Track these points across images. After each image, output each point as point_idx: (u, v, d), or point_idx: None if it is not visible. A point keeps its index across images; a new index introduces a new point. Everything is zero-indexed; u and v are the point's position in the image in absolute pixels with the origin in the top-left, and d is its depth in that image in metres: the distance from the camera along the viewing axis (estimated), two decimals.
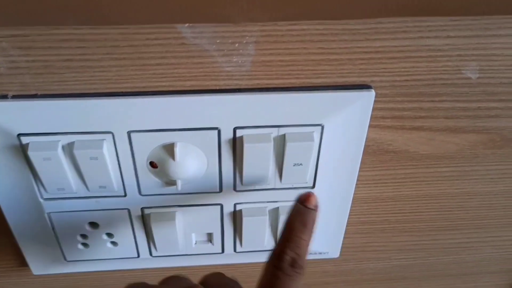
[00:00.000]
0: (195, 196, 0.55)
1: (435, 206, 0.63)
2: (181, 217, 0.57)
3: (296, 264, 0.43)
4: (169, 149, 0.50)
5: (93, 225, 0.57)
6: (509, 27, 0.46)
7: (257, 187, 0.54)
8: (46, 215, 0.55)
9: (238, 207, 0.57)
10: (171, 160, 0.50)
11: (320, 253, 0.65)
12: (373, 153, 0.55)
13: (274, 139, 0.50)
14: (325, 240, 0.63)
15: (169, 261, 0.63)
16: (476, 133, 0.55)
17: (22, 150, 0.48)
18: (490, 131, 0.54)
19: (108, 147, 0.49)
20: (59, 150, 0.48)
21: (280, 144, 0.51)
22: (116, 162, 0.51)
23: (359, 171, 0.56)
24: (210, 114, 0.48)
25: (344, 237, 0.64)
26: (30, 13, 0.41)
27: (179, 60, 0.45)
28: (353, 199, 0.59)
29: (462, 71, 0.49)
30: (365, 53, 0.46)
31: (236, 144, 0.50)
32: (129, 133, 0.48)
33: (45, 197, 0.53)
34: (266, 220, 0.57)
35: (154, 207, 0.56)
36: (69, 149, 0.49)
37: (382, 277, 0.74)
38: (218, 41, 0.44)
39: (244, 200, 0.56)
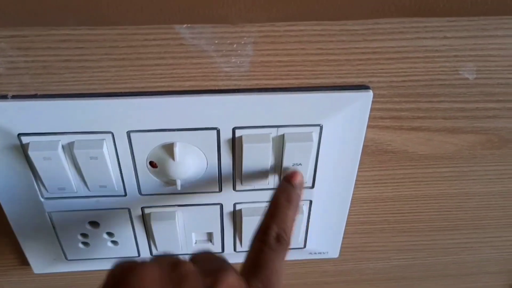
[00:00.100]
0: (195, 195, 0.55)
1: (434, 206, 0.63)
2: (181, 217, 0.57)
3: (281, 239, 0.45)
4: (169, 149, 0.50)
5: (94, 224, 0.57)
6: (506, 27, 0.46)
7: (256, 187, 0.54)
8: (47, 214, 0.55)
9: (238, 207, 0.57)
10: (170, 160, 0.50)
11: (320, 253, 0.65)
12: (372, 153, 0.55)
13: (273, 139, 0.50)
14: (324, 240, 0.63)
15: None
16: (474, 134, 0.55)
17: (22, 150, 0.49)
18: (488, 131, 0.55)
19: (108, 147, 0.49)
20: (60, 149, 0.48)
21: (279, 144, 0.51)
22: (116, 162, 0.51)
23: (358, 171, 0.56)
24: (209, 114, 0.49)
25: (344, 237, 0.64)
26: (29, 14, 0.41)
27: (178, 60, 0.45)
28: (352, 199, 0.59)
29: (460, 72, 0.49)
30: (363, 53, 0.47)
31: (236, 144, 0.51)
32: (128, 133, 0.49)
33: (45, 196, 0.53)
34: None
35: (154, 207, 0.56)
36: (69, 148, 0.49)
37: (382, 277, 0.74)
38: (216, 41, 0.44)
39: (243, 199, 0.56)
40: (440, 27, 0.45)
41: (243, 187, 0.55)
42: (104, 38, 0.43)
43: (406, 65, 0.48)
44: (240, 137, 0.50)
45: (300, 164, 0.52)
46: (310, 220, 0.59)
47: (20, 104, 0.46)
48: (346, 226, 0.62)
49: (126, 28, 0.43)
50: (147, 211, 0.56)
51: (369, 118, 0.51)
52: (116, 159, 0.51)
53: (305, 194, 0.56)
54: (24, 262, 0.63)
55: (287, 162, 0.52)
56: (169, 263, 0.41)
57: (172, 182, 0.53)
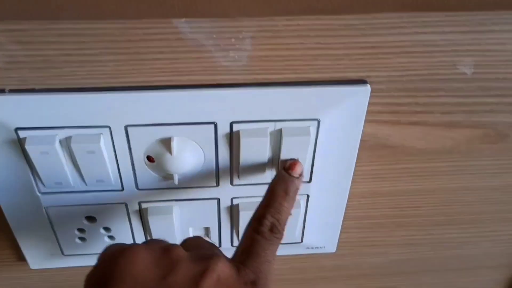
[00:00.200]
0: (192, 190, 0.55)
1: (432, 200, 0.63)
2: (178, 211, 0.57)
3: (275, 229, 0.45)
4: (166, 143, 0.50)
5: (91, 219, 0.57)
6: (504, 22, 0.46)
7: (254, 182, 0.54)
8: (43, 209, 0.55)
9: (235, 201, 0.57)
10: (168, 154, 0.50)
11: (317, 248, 0.65)
12: (370, 148, 0.55)
13: (271, 133, 0.50)
14: (322, 235, 0.63)
15: None
16: (472, 128, 0.55)
17: (19, 144, 0.49)
18: (486, 126, 0.55)
19: (105, 141, 0.49)
20: (57, 144, 0.48)
21: (277, 139, 0.51)
22: (113, 156, 0.51)
23: (356, 165, 0.56)
24: (207, 108, 0.48)
25: (341, 232, 0.64)
26: (28, 7, 0.41)
27: (177, 55, 0.45)
28: (350, 194, 0.59)
29: (458, 67, 0.49)
30: (362, 48, 0.47)
31: (233, 139, 0.51)
32: (126, 127, 0.49)
33: (42, 191, 0.53)
34: None
35: (151, 201, 0.56)
36: (66, 143, 0.49)
37: (380, 272, 0.74)
38: (215, 36, 0.44)
39: (241, 194, 0.56)
40: (439, 22, 0.45)
41: (241, 182, 0.55)
42: (103, 32, 0.43)
43: (404, 60, 0.48)
44: (238, 132, 0.50)
45: (298, 158, 0.52)
46: (307, 214, 0.59)
47: (18, 98, 0.46)
48: (343, 220, 0.62)
49: (125, 22, 0.43)
50: (144, 205, 0.56)
51: (367, 112, 0.51)
52: (113, 153, 0.50)
53: (303, 189, 0.56)
54: (21, 258, 0.63)
55: (284, 157, 0.52)
56: (160, 248, 0.42)
57: (169, 177, 0.53)
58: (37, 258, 0.62)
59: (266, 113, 0.49)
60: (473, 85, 0.51)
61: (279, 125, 0.50)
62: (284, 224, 0.46)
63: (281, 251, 0.63)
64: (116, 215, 0.57)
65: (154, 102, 0.48)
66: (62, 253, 0.60)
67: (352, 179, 0.57)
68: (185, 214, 0.57)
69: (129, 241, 0.59)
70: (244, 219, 0.57)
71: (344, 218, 0.62)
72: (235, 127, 0.50)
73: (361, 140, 0.53)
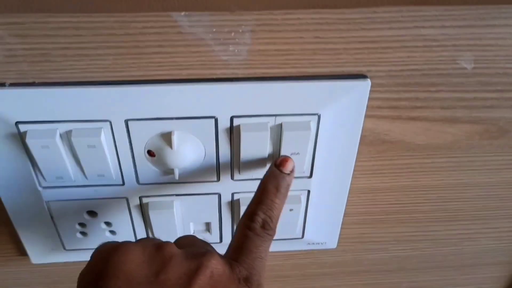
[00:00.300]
0: (193, 185, 0.55)
1: (432, 196, 0.63)
2: (179, 206, 0.57)
3: (267, 225, 0.45)
4: (167, 137, 0.50)
5: (92, 213, 0.57)
6: (504, 17, 0.46)
7: (254, 176, 0.54)
8: (44, 204, 0.55)
9: (236, 196, 0.57)
10: (168, 149, 0.50)
11: (318, 244, 0.65)
12: (370, 143, 0.55)
13: (271, 128, 0.50)
14: (322, 231, 0.63)
15: None
16: (472, 124, 0.55)
17: (20, 138, 0.49)
18: (486, 121, 0.55)
19: (105, 136, 0.49)
20: (57, 138, 0.48)
21: (277, 133, 0.51)
22: (114, 151, 0.51)
23: (356, 161, 0.56)
24: (207, 103, 0.49)
25: (342, 228, 0.64)
26: (26, 0, 0.41)
27: (176, 49, 0.45)
28: (350, 189, 0.59)
29: (458, 61, 0.49)
30: (361, 42, 0.47)
31: (233, 133, 0.51)
32: (126, 121, 0.49)
33: (43, 185, 0.53)
34: None
35: (152, 196, 0.56)
36: (67, 137, 0.49)
37: (380, 268, 0.74)
38: (214, 30, 0.44)
39: (241, 189, 0.56)
40: (438, 16, 0.45)
41: (241, 177, 0.55)
42: (102, 26, 0.43)
43: (404, 54, 0.48)
44: (238, 126, 0.50)
45: (298, 153, 0.52)
46: (308, 210, 0.59)
47: (18, 92, 0.46)
48: (344, 216, 0.62)
49: (124, 15, 0.43)
50: (145, 200, 0.56)
51: (367, 107, 0.51)
52: (114, 148, 0.51)
53: (303, 184, 0.56)
54: (22, 252, 0.63)
55: (285, 151, 0.52)
56: (153, 245, 0.42)
57: (170, 171, 0.53)
58: (38, 253, 0.62)
59: (267, 107, 0.49)
60: (473, 80, 0.51)
61: (279, 120, 0.50)
62: (276, 221, 0.46)
63: (282, 247, 0.64)
64: (117, 210, 0.57)
65: (154, 96, 0.48)
66: (64, 247, 0.60)
67: (352, 175, 0.57)
68: (185, 209, 0.57)
69: (130, 235, 0.60)
70: None
71: (344, 214, 0.62)
72: (236, 122, 0.50)
73: (361, 135, 0.53)
